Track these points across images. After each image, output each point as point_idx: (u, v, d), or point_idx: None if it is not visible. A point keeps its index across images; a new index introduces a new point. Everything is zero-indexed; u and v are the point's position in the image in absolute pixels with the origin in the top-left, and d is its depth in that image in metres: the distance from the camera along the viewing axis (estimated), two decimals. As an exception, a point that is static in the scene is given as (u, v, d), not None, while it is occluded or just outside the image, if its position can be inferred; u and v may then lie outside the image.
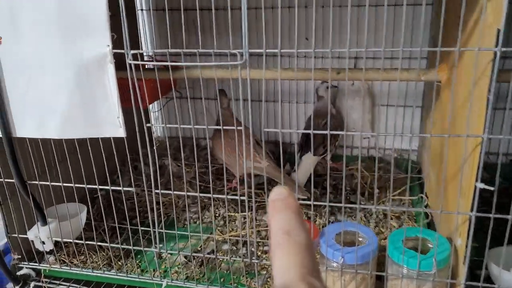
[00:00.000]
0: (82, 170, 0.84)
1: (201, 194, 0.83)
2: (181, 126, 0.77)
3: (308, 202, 0.80)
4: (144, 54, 1.36)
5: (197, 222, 1.13)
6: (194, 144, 0.81)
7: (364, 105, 1.34)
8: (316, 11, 1.22)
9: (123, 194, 0.87)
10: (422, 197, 1.09)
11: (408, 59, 1.27)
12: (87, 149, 0.81)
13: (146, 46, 1.43)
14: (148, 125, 0.76)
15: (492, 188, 0.66)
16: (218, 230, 1.09)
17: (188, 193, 0.82)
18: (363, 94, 1.32)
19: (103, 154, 0.80)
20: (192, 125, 0.76)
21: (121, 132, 0.77)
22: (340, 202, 0.76)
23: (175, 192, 0.82)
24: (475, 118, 0.68)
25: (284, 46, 0.67)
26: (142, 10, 1.43)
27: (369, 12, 0.88)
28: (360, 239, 0.83)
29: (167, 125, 0.77)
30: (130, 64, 0.73)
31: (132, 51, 0.72)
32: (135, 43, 1.25)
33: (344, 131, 0.77)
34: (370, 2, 1.11)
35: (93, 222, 0.93)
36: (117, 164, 0.82)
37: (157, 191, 0.81)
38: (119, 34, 0.71)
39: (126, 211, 0.90)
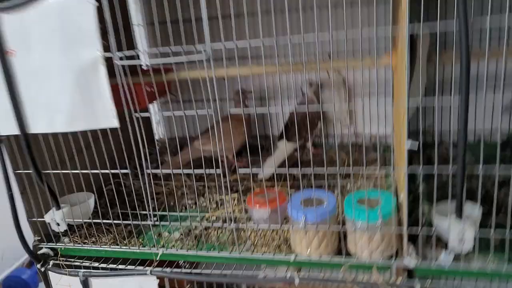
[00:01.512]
0: (87, 165, 1.01)
1: (186, 171, 0.98)
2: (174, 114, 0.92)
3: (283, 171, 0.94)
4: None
5: (193, 207, 1.28)
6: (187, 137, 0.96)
7: (340, 96, 1.48)
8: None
9: (121, 179, 1.03)
10: (389, 168, 1.21)
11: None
12: (97, 145, 0.98)
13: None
14: (136, 114, 0.93)
15: (416, 142, 0.80)
16: (211, 211, 1.24)
17: (174, 171, 0.97)
18: (338, 86, 1.46)
19: (113, 148, 0.97)
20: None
21: (115, 123, 0.93)
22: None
23: (163, 170, 0.97)
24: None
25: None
26: (138, 25, 1.61)
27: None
28: (325, 202, 0.97)
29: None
30: (118, 66, 0.89)
31: (118, 53, 0.88)
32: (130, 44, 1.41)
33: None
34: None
35: (99, 208, 1.09)
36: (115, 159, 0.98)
37: (148, 171, 0.97)
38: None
39: (125, 196, 1.07)
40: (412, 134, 1.40)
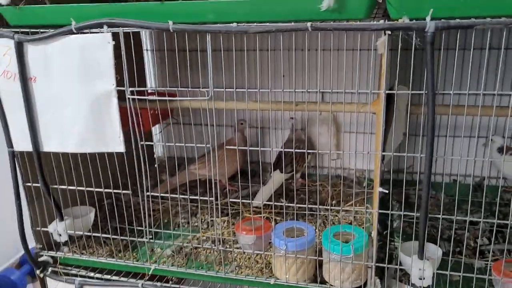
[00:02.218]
0: (93, 181, 1.11)
1: (182, 196, 1.08)
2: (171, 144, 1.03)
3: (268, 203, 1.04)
4: (149, 88, 1.65)
5: (185, 226, 1.37)
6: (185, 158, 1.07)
7: (330, 131, 1.59)
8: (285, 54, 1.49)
9: (122, 197, 1.13)
10: (367, 206, 1.32)
11: (365, 94, 1.52)
12: (102, 163, 1.08)
13: (150, 81, 1.71)
14: (141, 143, 1.03)
15: (386, 191, 0.91)
16: (202, 231, 1.34)
17: (171, 195, 1.07)
18: (329, 122, 1.57)
19: (116, 167, 1.07)
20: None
21: (121, 148, 1.04)
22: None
23: (161, 195, 1.07)
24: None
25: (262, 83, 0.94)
26: (147, 50, 1.72)
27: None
28: (305, 233, 1.07)
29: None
30: (128, 98, 1.00)
31: (130, 88, 0.99)
32: (141, 78, 1.52)
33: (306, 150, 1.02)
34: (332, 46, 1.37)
35: (98, 222, 1.19)
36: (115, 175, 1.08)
37: (147, 193, 1.07)
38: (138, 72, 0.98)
39: (125, 213, 1.17)
40: (394, 172, 1.52)
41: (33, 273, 1.28)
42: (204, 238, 1.28)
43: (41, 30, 1.00)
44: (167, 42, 0.96)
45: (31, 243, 1.22)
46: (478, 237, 1.19)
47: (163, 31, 0.93)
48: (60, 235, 1.18)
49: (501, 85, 1.19)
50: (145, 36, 1.71)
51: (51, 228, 1.18)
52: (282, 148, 1.54)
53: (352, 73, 1.00)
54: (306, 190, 1.38)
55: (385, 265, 0.97)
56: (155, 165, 1.76)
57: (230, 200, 1.09)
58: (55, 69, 1.02)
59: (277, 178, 1.42)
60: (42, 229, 1.21)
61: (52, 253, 1.23)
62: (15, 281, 1.57)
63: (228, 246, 1.21)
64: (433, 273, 0.93)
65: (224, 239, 1.25)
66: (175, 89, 0.99)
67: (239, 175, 1.12)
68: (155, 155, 1.83)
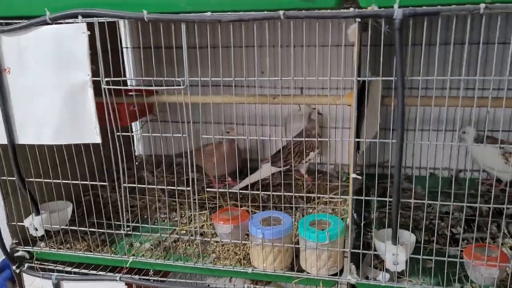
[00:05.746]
0: (69, 175, 1.11)
1: (159, 187, 1.08)
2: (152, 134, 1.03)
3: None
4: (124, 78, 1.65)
5: (165, 221, 1.37)
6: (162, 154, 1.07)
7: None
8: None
9: (99, 191, 1.13)
10: (343, 194, 1.34)
11: (342, 89, 1.54)
12: (79, 158, 1.07)
13: (130, 77, 1.71)
14: (118, 133, 1.03)
15: (359, 177, 0.93)
16: (182, 225, 1.34)
17: (149, 186, 1.07)
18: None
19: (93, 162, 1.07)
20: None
21: (97, 139, 1.03)
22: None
23: (139, 186, 1.07)
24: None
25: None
26: (126, 48, 1.72)
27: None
28: (282, 222, 1.08)
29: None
30: (104, 89, 1.00)
31: (106, 79, 0.99)
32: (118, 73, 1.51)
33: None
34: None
35: (76, 216, 1.18)
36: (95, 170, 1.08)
37: (124, 184, 1.07)
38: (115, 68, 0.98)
39: (102, 207, 1.16)
40: (372, 166, 1.54)
41: (14, 278, 1.26)
42: (184, 231, 1.28)
43: (15, 21, 0.99)
44: (148, 39, 0.96)
45: (7, 239, 1.21)
46: (453, 226, 1.22)
47: (137, 21, 0.93)
48: (36, 229, 1.17)
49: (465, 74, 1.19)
50: (124, 33, 1.71)
51: (27, 222, 1.17)
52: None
53: (330, 67, 1.02)
54: (282, 181, 1.39)
55: (360, 251, 0.98)
56: (135, 163, 1.77)
57: (207, 190, 1.09)
58: (30, 60, 1.02)
59: (264, 170, 1.43)
60: (18, 223, 1.19)
61: (29, 248, 1.21)
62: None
63: (206, 238, 1.22)
64: (407, 259, 0.95)
65: (204, 232, 1.25)
66: (151, 78, 1.00)
67: (226, 173, 1.11)
68: (135, 153, 1.82)
